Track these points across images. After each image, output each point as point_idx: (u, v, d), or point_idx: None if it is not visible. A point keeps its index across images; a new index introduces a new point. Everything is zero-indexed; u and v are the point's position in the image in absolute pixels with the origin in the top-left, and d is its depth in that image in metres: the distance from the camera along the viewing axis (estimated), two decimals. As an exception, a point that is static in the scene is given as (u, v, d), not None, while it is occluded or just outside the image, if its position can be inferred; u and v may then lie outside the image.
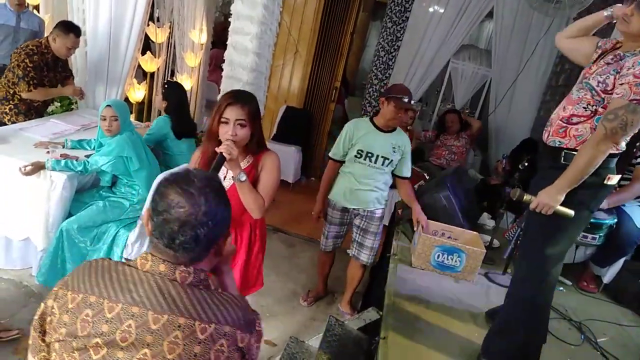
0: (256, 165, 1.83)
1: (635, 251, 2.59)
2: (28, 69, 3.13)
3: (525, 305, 1.75)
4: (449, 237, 2.57)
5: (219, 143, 1.69)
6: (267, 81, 3.85)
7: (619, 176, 1.69)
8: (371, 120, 2.70)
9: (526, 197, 1.75)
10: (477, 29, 6.42)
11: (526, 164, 2.78)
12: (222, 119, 1.70)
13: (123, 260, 2.66)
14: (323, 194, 2.85)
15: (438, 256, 2.41)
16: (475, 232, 2.61)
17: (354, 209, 2.76)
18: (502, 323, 1.82)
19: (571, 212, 1.63)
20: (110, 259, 0.99)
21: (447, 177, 2.93)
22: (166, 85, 3.27)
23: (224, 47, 3.28)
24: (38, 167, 2.49)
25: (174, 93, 3.21)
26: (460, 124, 4.67)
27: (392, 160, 2.65)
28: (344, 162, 2.75)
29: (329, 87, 5.48)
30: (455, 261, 2.40)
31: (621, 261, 2.55)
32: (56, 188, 2.55)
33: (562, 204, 1.64)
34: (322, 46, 5.17)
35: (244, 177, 1.70)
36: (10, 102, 3.26)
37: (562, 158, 1.68)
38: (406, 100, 2.55)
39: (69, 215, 2.65)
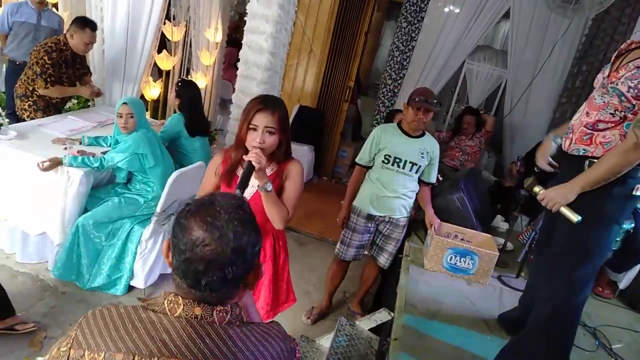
0: (280, 173, 1.76)
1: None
2: (46, 66, 3.18)
3: (547, 332, 1.65)
4: (462, 239, 2.56)
5: (246, 150, 1.64)
6: (281, 80, 3.86)
7: None
8: (399, 125, 2.66)
9: (536, 188, 1.68)
10: (492, 29, 6.36)
11: (542, 171, 2.75)
12: (251, 126, 1.63)
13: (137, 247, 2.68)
14: (349, 199, 2.76)
15: (450, 258, 2.39)
16: (488, 235, 2.59)
17: (379, 216, 2.70)
18: (520, 344, 1.73)
19: (576, 217, 1.55)
20: (124, 305, 0.88)
21: (460, 179, 2.92)
22: (179, 83, 3.30)
23: (237, 45, 3.31)
24: (55, 163, 2.54)
25: (187, 91, 3.23)
26: (475, 126, 4.62)
27: (420, 166, 2.60)
28: (370, 167, 2.71)
29: (343, 87, 5.48)
30: (468, 264, 2.38)
31: (638, 267, 2.51)
32: (73, 184, 2.59)
33: (589, 215, 1.54)
34: (337, 46, 5.17)
35: (270, 187, 1.62)
36: (30, 98, 3.32)
37: (587, 167, 1.58)
38: (422, 99, 2.52)
39: (85, 210, 2.69)
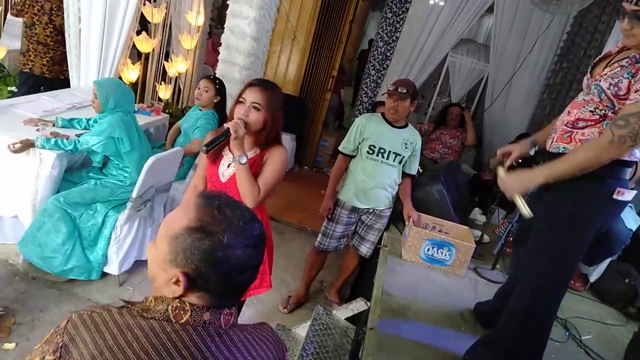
0: (261, 157, 1.74)
1: (623, 251, 2.61)
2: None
3: (518, 321, 1.64)
4: (439, 231, 2.57)
5: None
6: (264, 67, 3.81)
7: (633, 192, 1.48)
8: (383, 116, 2.65)
9: (500, 170, 1.56)
10: (476, 23, 6.40)
11: (520, 160, 2.77)
12: (240, 99, 1.68)
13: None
14: (332, 188, 2.73)
15: (428, 249, 2.41)
16: (466, 227, 2.62)
17: (364, 208, 2.70)
18: (493, 333, 1.75)
19: (528, 213, 1.47)
20: (116, 309, 0.80)
21: (440, 171, 2.93)
22: (217, 82, 3.17)
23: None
24: (27, 145, 2.45)
25: (223, 91, 3.17)
26: (461, 120, 4.65)
27: (403, 157, 2.60)
28: (354, 156, 2.68)
29: (326, 76, 5.44)
30: (445, 255, 2.40)
31: (607, 261, 2.57)
32: (45, 166, 2.52)
33: (565, 217, 1.49)
34: (321, 34, 5.12)
35: (244, 160, 1.64)
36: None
37: None
38: (394, 87, 2.52)
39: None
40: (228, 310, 0.84)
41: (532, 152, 1.83)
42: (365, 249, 2.79)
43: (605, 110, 1.48)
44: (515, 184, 1.48)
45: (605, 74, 1.49)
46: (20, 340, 2.18)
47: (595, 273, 2.59)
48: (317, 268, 2.98)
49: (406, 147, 2.60)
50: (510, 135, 4.75)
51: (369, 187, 2.62)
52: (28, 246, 2.51)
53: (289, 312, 2.93)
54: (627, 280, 2.49)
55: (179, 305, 0.80)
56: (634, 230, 2.50)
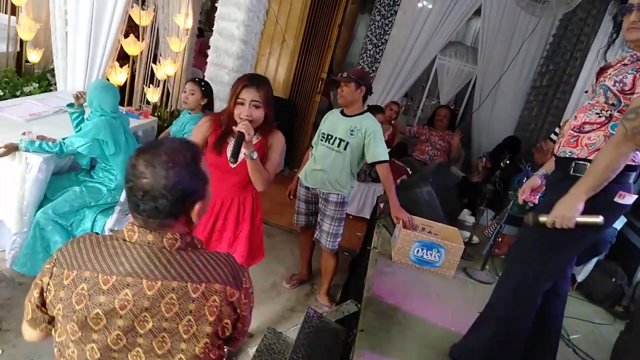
0: (265, 143, 1.96)
1: (609, 251, 2.64)
2: None
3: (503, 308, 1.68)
4: (429, 232, 2.58)
5: (235, 122, 1.81)
6: (253, 70, 3.80)
7: (635, 196, 1.50)
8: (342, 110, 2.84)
9: (542, 218, 1.51)
10: (464, 26, 6.45)
11: (507, 162, 2.81)
12: (238, 100, 1.83)
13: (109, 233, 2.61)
14: (298, 176, 3.04)
15: (417, 251, 2.41)
16: (455, 228, 2.63)
17: (312, 188, 2.88)
18: (475, 324, 1.78)
19: (598, 219, 1.43)
20: (97, 233, 1.06)
21: (429, 173, 2.95)
22: (203, 84, 3.15)
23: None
24: (11, 149, 2.42)
25: (210, 92, 3.15)
26: (449, 122, 4.68)
27: (348, 142, 2.70)
28: None
29: (315, 79, 5.44)
30: (435, 256, 2.41)
31: (594, 260, 2.60)
32: (31, 170, 2.48)
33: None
34: (310, 37, 5.13)
35: (255, 156, 1.82)
36: None
37: (572, 169, 1.56)
38: (336, 78, 2.75)
39: (45, 198, 2.58)
40: (170, 236, 1.02)
41: (543, 182, 1.93)
42: (324, 241, 2.88)
43: (610, 111, 1.50)
44: (567, 213, 1.45)
45: (609, 74, 1.52)
46: (6, 347, 2.15)
47: (583, 273, 2.62)
48: (307, 248, 3.21)
49: (351, 134, 2.69)
50: (498, 137, 4.80)
51: (314, 168, 2.83)
52: (27, 265, 2.49)
53: (292, 287, 3.21)
54: (614, 280, 2.52)
55: (130, 227, 1.02)
56: (619, 229, 2.54)
